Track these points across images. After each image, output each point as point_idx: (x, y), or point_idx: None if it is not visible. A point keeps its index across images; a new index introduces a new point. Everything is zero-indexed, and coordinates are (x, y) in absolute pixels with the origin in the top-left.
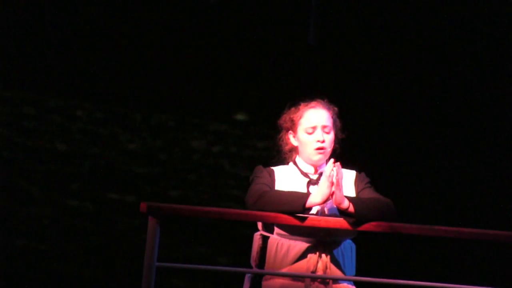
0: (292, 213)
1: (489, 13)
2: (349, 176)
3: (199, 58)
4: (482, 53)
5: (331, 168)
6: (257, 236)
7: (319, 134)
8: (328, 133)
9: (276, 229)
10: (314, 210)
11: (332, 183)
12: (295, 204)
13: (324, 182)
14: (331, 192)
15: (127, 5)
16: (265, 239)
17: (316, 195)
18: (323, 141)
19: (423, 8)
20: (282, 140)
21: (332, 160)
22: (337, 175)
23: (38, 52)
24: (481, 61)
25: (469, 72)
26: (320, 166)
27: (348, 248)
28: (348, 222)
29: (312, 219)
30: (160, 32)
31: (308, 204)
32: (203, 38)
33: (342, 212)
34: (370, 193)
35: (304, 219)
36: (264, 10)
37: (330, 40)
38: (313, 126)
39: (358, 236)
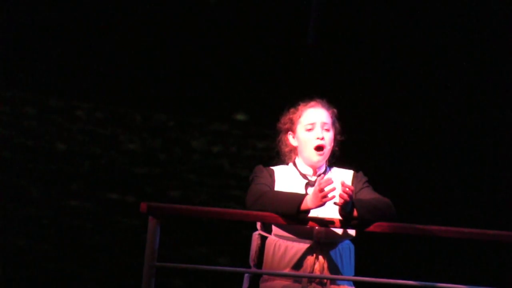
0: (287, 217)
1: (489, 13)
2: (346, 176)
3: (199, 58)
4: (482, 53)
5: (326, 182)
6: (255, 236)
7: (318, 131)
8: (327, 130)
9: (274, 230)
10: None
11: (323, 196)
12: (291, 206)
13: (315, 194)
14: (324, 201)
15: (127, 5)
16: (263, 238)
17: (309, 202)
18: (322, 138)
19: (423, 8)
20: (282, 142)
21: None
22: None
23: (38, 52)
24: (481, 61)
25: (469, 71)
26: (319, 167)
27: (346, 249)
28: (348, 224)
29: (311, 220)
30: (160, 32)
31: (303, 207)
32: (203, 38)
33: (343, 215)
34: (368, 193)
35: (299, 220)
36: (264, 11)
37: (329, 40)
38: (312, 123)
39: (357, 236)
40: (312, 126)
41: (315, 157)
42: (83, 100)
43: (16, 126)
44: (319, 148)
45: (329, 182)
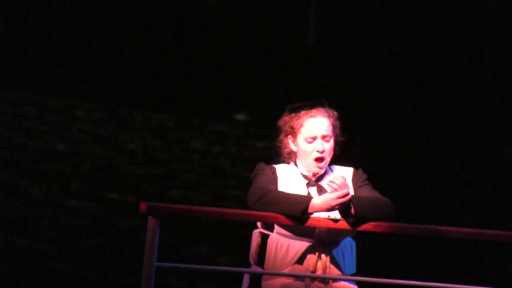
0: (292, 217)
1: (488, 13)
2: (346, 174)
3: (199, 58)
4: (482, 54)
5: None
6: (255, 234)
7: (319, 144)
8: (327, 141)
9: (276, 228)
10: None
11: (336, 204)
12: (297, 208)
13: (332, 195)
14: (336, 205)
15: (127, 5)
16: (264, 237)
17: (318, 206)
18: (322, 151)
19: (423, 9)
20: (281, 143)
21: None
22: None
23: (38, 52)
24: (481, 61)
25: (469, 72)
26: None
27: (348, 246)
28: (348, 223)
29: (312, 219)
30: (160, 32)
31: (310, 209)
32: (203, 38)
33: (342, 213)
34: (368, 191)
35: (303, 221)
36: (264, 11)
37: (330, 40)
38: (313, 136)
39: (358, 235)
40: (312, 140)
41: (314, 167)
42: (83, 100)
43: (16, 126)
44: (318, 159)
45: (348, 198)
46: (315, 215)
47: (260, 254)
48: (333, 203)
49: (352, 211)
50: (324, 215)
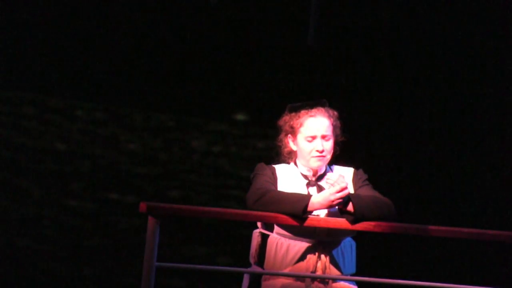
0: (292, 216)
1: (488, 13)
2: (346, 174)
3: (199, 58)
4: (481, 54)
5: (340, 182)
6: (255, 234)
7: (318, 144)
8: (327, 140)
9: (276, 228)
10: (316, 213)
11: (336, 199)
12: (297, 206)
13: (330, 190)
14: (335, 200)
15: (127, 5)
16: (264, 237)
17: (317, 204)
18: (322, 151)
19: (423, 9)
20: (282, 142)
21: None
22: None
23: (38, 52)
24: (481, 61)
25: (469, 72)
26: (319, 169)
27: (348, 246)
28: (347, 220)
29: (312, 219)
30: (160, 32)
31: (310, 207)
32: (203, 39)
33: (341, 210)
34: (368, 191)
35: (304, 219)
36: (264, 11)
37: (330, 41)
38: (312, 136)
39: (358, 235)
40: (312, 139)
41: (314, 163)
42: (83, 100)
43: (16, 126)
44: (318, 157)
45: (346, 193)
46: (315, 213)
47: (260, 254)
48: (332, 197)
49: (352, 209)
50: (324, 214)
